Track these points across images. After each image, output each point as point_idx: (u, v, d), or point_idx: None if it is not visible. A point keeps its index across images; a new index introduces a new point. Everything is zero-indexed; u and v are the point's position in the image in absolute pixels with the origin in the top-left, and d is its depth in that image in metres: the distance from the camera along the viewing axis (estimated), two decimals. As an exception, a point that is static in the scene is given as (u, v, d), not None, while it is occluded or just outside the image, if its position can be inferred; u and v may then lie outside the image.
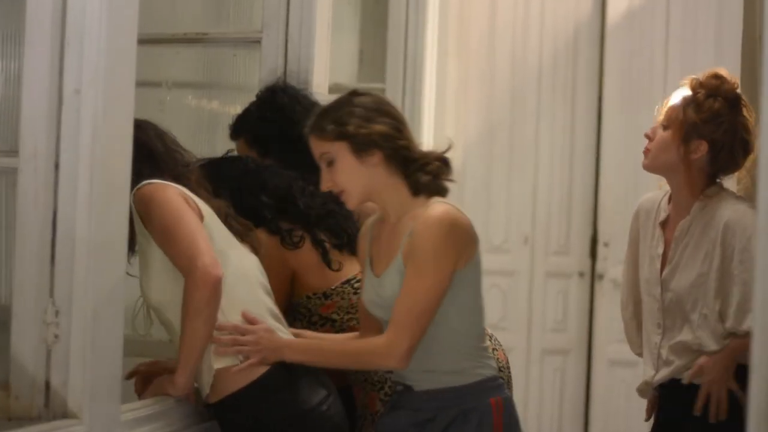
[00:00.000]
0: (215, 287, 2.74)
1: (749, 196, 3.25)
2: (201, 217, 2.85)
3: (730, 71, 3.37)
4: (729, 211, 3.19)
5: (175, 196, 2.82)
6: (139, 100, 2.68)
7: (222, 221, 2.94)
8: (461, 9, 5.84)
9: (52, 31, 2.51)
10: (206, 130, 4.04)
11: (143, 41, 2.73)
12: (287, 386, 2.86)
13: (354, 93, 2.90)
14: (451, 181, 2.92)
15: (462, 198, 5.40)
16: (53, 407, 2.50)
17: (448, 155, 2.90)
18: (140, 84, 2.70)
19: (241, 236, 2.99)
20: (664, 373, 3.33)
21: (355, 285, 3.23)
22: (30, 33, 2.52)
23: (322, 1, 3.78)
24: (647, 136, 3.32)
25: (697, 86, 3.26)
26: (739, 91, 3.27)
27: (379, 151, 2.81)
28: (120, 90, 2.59)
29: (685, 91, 3.28)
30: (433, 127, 5.39)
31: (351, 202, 2.87)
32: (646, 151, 3.32)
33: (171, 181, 2.88)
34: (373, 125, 2.81)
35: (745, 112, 3.26)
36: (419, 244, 2.77)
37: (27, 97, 2.53)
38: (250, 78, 3.89)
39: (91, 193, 2.50)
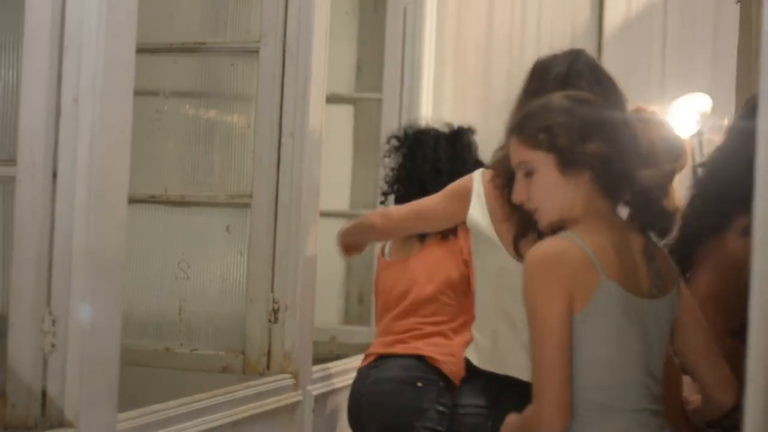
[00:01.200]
0: None
1: None
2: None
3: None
4: None
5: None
6: (137, 110, 2.68)
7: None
8: (458, 19, 5.85)
9: (50, 40, 2.51)
10: (203, 140, 4.03)
11: (141, 50, 2.73)
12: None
13: (573, 98, 2.54)
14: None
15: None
16: (50, 416, 2.50)
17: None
18: (138, 93, 2.71)
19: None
20: None
21: None
22: (28, 42, 2.53)
23: (320, 11, 3.78)
24: None
25: None
26: None
27: (589, 171, 2.45)
28: (118, 99, 2.59)
29: None
30: (430, 137, 5.39)
31: (543, 223, 2.52)
32: None
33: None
34: (588, 143, 2.44)
35: None
36: (523, 288, 2.41)
37: (25, 106, 2.53)
38: (248, 87, 3.88)
39: (89, 202, 2.51)
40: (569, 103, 2.50)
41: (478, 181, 3.08)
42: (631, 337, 2.43)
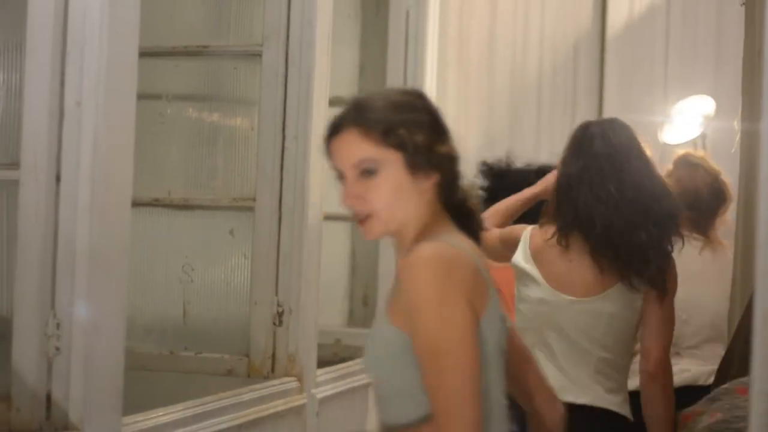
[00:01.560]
0: None
1: None
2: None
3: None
4: None
5: None
6: (140, 113, 2.69)
7: None
8: (461, 21, 5.85)
9: (53, 43, 2.51)
10: (206, 143, 4.04)
11: (143, 53, 2.73)
12: None
13: (412, 93, 2.28)
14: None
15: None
16: (54, 420, 2.50)
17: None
18: (140, 96, 2.71)
19: None
20: None
21: None
22: (31, 45, 2.53)
23: (322, 14, 3.78)
24: None
25: None
26: None
27: (437, 174, 2.19)
28: (121, 102, 2.59)
29: None
30: (434, 140, 5.39)
31: (376, 232, 2.19)
32: None
33: None
34: (442, 143, 2.21)
35: None
36: (411, 298, 2.06)
37: (28, 110, 2.53)
38: (251, 91, 3.88)
39: (92, 205, 2.51)
40: (412, 98, 2.24)
41: (527, 236, 3.33)
42: (502, 361, 2.19)
